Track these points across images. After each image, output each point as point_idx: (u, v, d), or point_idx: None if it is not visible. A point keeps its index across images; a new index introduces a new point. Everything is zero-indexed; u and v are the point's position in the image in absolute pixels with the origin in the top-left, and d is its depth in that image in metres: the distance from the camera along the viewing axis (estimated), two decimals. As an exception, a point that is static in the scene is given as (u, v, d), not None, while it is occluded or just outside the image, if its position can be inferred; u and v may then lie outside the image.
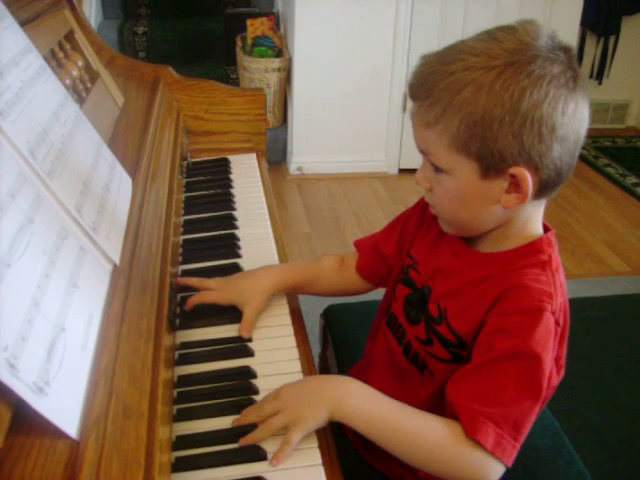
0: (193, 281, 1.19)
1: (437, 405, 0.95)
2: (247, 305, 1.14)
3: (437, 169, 0.92)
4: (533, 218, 0.96)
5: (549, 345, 0.88)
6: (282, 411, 0.91)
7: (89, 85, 1.38)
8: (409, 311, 1.07)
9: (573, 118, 0.87)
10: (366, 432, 0.91)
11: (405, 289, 1.09)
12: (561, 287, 0.93)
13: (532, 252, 0.95)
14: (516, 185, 0.88)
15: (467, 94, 0.84)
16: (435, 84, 0.87)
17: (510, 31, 0.87)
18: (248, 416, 0.94)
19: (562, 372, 0.97)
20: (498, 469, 0.88)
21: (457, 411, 0.88)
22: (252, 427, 0.92)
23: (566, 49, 0.88)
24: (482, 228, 0.96)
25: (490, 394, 0.87)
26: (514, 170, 0.87)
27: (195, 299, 1.16)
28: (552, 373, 0.93)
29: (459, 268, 1.00)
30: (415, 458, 0.90)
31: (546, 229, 0.99)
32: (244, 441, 0.90)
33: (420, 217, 1.13)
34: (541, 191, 0.90)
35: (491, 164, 0.87)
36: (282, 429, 0.90)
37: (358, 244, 1.26)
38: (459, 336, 0.96)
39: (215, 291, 1.17)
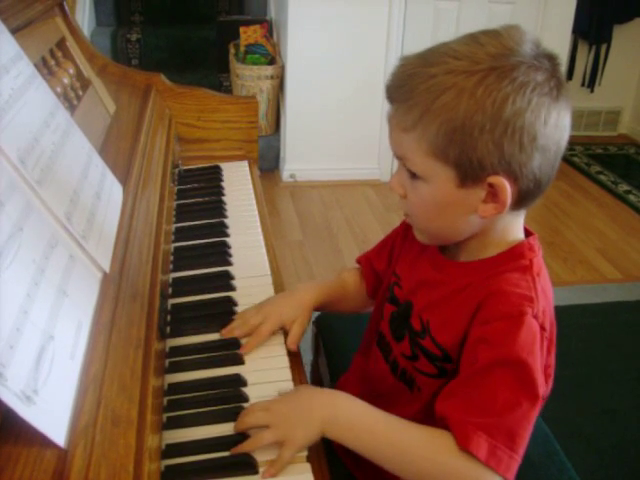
0: (236, 333, 1.12)
1: (424, 421, 0.91)
2: (296, 322, 1.10)
3: (413, 175, 0.90)
4: (512, 227, 0.95)
5: (535, 349, 0.85)
6: (273, 427, 0.90)
7: (80, 93, 1.38)
8: (394, 328, 1.06)
9: (555, 128, 0.85)
10: (357, 449, 0.89)
11: (390, 307, 1.08)
12: (544, 292, 0.90)
13: (512, 258, 0.93)
14: (494, 195, 0.86)
15: (448, 98, 0.82)
16: (415, 86, 0.85)
17: (494, 35, 0.85)
18: (240, 424, 0.93)
19: (550, 381, 0.95)
20: None
21: (448, 424, 0.85)
22: (242, 438, 0.92)
23: (550, 57, 0.86)
24: (457, 237, 0.95)
25: (480, 405, 0.84)
26: (493, 179, 0.85)
27: (253, 342, 1.09)
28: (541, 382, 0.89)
29: (439, 280, 0.99)
30: (408, 473, 0.88)
31: (528, 234, 0.97)
32: (234, 451, 0.90)
33: (404, 233, 1.13)
34: (519, 202, 0.89)
35: (469, 172, 0.85)
36: (272, 443, 0.90)
37: (361, 262, 1.24)
38: (443, 349, 0.94)
39: (263, 324, 1.10)
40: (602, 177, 4.04)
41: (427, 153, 0.86)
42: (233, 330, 1.11)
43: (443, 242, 0.98)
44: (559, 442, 1.31)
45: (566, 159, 4.25)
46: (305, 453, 0.91)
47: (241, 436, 0.92)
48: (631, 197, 3.79)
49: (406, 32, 3.57)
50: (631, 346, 2.48)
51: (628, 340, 2.52)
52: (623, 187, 3.92)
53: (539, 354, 0.86)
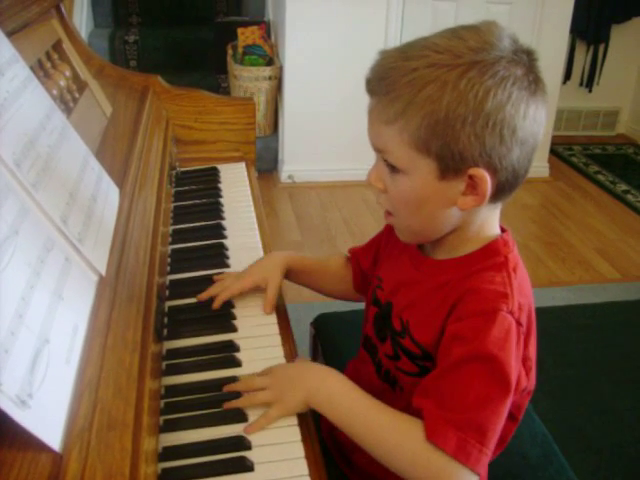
0: (213, 291, 1.20)
1: None
2: (268, 284, 1.17)
3: (393, 169, 0.90)
4: (489, 222, 0.95)
5: (508, 345, 0.86)
6: (268, 389, 0.96)
7: (77, 95, 1.37)
8: (378, 329, 1.07)
9: (533, 122, 0.86)
10: (336, 423, 0.93)
11: (374, 309, 1.09)
12: (520, 287, 0.91)
13: (488, 255, 0.93)
14: (473, 187, 0.87)
15: (431, 91, 0.83)
16: (397, 79, 0.85)
17: (474, 30, 0.86)
18: (238, 385, 0.99)
19: (531, 374, 0.96)
20: (465, 475, 0.84)
21: (423, 416, 0.87)
22: (238, 440, 0.92)
23: (528, 52, 0.87)
24: (438, 232, 0.95)
25: (452, 400, 0.86)
26: (473, 171, 0.85)
27: (224, 295, 1.17)
28: (520, 376, 0.91)
29: (418, 278, 0.99)
30: (378, 454, 0.90)
31: (502, 231, 0.98)
32: (228, 405, 0.96)
33: (387, 237, 1.13)
34: (497, 194, 0.89)
35: (451, 164, 0.86)
36: (264, 404, 0.96)
37: (351, 253, 1.26)
38: (423, 347, 0.95)
39: (234, 283, 1.18)
40: (600, 177, 4.04)
41: (409, 145, 0.86)
42: (209, 292, 1.19)
43: (425, 239, 0.99)
44: (558, 443, 1.32)
45: (564, 159, 4.25)
46: (303, 454, 0.91)
47: (236, 438, 0.92)
48: (629, 197, 3.79)
49: (404, 32, 3.57)
50: (630, 346, 2.48)
51: (627, 340, 2.51)
52: (621, 187, 3.92)
53: (514, 350, 0.87)
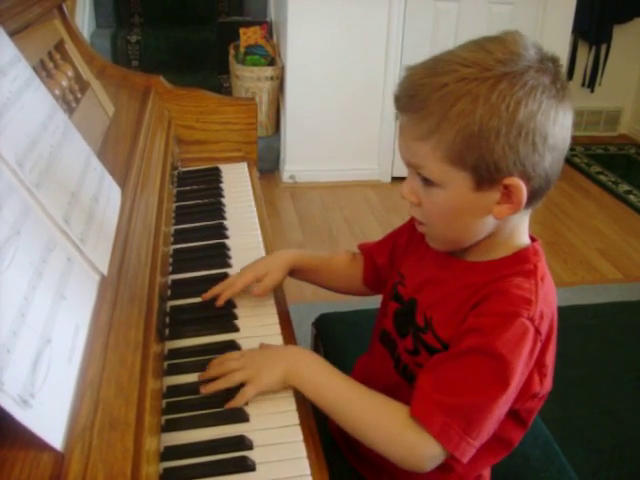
0: (217, 290, 1.21)
1: None
2: (268, 276, 1.19)
3: (427, 182, 0.91)
4: (520, 227, 0.96)
5: (519, 350, 0.87)
6: (243, 369, 0.99)
7: (79, 95, 1.37)
8: (399, 325, 1.07)
9: (562, 127, 0.88)
10: (313, 399, 0.97)
11: (395, 304, 1.10)
12: (545, 296, 0.92)
13: (518, 261, 0.95)
14: (508, 196, 0.88)
15: (463, 105, 0.84)
16: (427, 96, 0.86)
17: (499, 41, 0.87)
18: (211, 371, 1.01)
19: (546, 381, 0.97)
20: (437, 454, 0.88)
21: (415, 389, 0.90)
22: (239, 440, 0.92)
23: (554, 59, 0.88)
24: (472, 240, 0.96)
25: (448, 384, 0.89)
26: (509, 181, 0.87)
27: (228, 293, 1.19)
28: (533, 380, 0.93)
29: (444, 278, 1.00)
30: (356, 431, 0.94)
31: (532, 240, 0.99)
32: (205, 390, 0.99)
33: (410, 235, 1.14)
34: (531, 200, 0.90)
35: (486, 175, 0.87)
36: (240, 383, 0.98)
37: (362, 249, 1.27)
38: (444, 342, 0.96)
39: (237, 279, 1.20)
40: (602, 177, 4.04)
41: (443, 160, 0.87)
42: (213, 291, 1.20)
43: (459, 246, 0.99)
44: (559, 443, 1.32)
45: (566, 159, 4.17)
46: (304, 454, 0.91)
47: (238, 438, 0.92)
48: (631, 197, 3.78)
49: (406, 32, 3.57)
50: (632, 346, 2.48)
51: (629, 340, 2.51)
52: (623, 187, 3.91)
53: (525, 356, 0.89)
